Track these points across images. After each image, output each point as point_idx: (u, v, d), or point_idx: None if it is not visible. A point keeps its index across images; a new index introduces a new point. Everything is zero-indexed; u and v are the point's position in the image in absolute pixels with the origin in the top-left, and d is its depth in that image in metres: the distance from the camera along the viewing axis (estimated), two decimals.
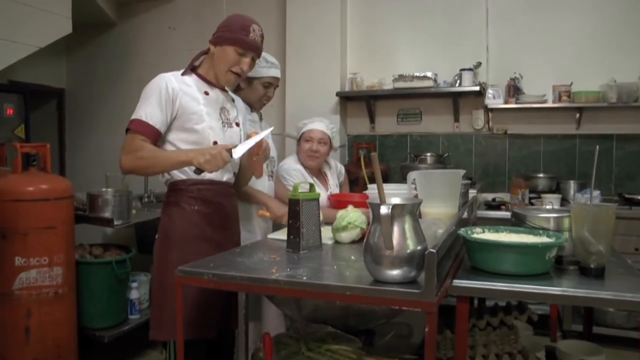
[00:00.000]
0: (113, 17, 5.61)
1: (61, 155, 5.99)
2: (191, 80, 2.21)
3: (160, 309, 2.11)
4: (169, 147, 2.16)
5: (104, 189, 3.55)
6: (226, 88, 2.37)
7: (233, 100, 2.39)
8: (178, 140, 2.15)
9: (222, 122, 2.24)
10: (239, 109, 2.41)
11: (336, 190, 3.20)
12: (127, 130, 2.10)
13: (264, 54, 2.72)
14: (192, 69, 2.26)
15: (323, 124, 3.14)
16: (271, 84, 2.77)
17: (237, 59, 2.18)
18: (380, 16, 4.75)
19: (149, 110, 2.08)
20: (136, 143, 2.06)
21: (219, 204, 2.22)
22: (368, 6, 4.79)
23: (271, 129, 2.28)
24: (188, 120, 2.13)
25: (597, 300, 1.52)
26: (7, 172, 3.16)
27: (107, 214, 3.31)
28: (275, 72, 2.77)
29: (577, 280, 1.62)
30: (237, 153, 2.01)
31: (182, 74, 2.21)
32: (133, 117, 2.10)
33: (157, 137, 2.11)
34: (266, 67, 2.73)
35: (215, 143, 2.15)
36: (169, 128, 2.14)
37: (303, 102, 4.67)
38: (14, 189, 2.88)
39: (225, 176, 2.27)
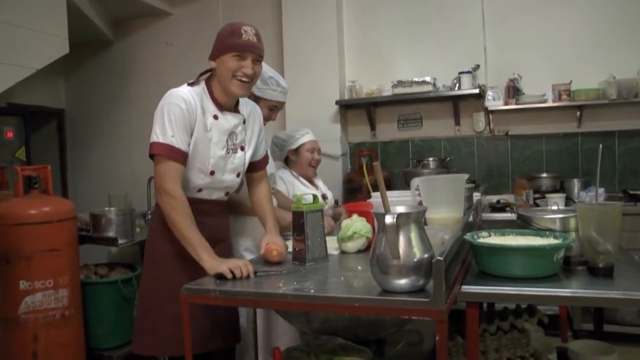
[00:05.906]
0: (110, 36, 5.63)
1: (63, 175, 6.00)
2: (205, 97, 2.10)
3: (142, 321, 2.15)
4: None
5: (106, 209, 3.54)
6: (239, 106, 2.23)
7: (244, 122, 2.22)
8: None
9: (227, 149, 2.14)
10: (250, 128, 2.27)
11: (328, 194, 3.30)
12: (156, 154, 1.98)
13: (278, 78, 2.72)
14: (205, 83, 2.14)
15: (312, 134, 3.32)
16: (277, 107, 2.78)
17: (237, 64, 2.05)
18: (376, 22, 4.76)
19: (178, 134, 1.99)
20: (177, 190, 1.96)
21: (201, 223, 2.05)
22: (363, 13, 4.80)
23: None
24: (195, 143, 2.05)
25: (608, 300, 1.51)
26: (9, 195, 3.16)
27: (110, 234, 3.31)
28: (284, 98, 2.78)
29: (586, 281, 1.61)
30: (262, 275, 1.94)
31: (191, 85, 2.09)
32: (161, 140, 1.98)
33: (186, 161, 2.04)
34: (277, 91, 2.71)
35: (212, 173, 2.10)
36: None
37: (303, 112, 4.66)
38: (16, 212, 2.87)
39: (215, 195, 2.19)
